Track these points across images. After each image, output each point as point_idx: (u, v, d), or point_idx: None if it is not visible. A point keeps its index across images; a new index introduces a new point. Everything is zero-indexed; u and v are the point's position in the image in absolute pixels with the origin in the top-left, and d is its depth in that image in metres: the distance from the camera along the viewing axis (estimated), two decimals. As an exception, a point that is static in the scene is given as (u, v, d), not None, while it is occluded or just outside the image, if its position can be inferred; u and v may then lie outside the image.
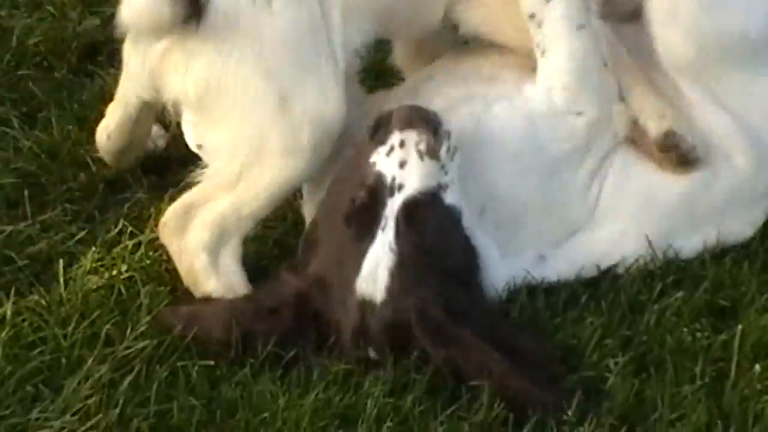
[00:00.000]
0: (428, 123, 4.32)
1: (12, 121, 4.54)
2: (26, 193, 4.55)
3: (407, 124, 4.34)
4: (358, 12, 4.41)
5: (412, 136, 4.31)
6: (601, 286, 4.53)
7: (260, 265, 4.50)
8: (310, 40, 4.31)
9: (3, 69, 4.70)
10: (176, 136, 4.85)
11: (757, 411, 3.99)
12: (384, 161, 4.31)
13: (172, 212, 4.25)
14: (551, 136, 4.62)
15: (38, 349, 4.07)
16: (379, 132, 4.36)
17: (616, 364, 4.21)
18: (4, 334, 4.09)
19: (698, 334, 4.27)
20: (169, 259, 4.33)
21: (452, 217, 4.35)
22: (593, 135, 4.68)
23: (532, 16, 4.54)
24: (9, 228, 4.47)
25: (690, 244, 4.67)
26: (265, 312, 4.32)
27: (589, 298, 4.46)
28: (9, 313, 4.12)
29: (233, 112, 4.18)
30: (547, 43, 4.59)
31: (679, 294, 4.41)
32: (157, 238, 4.38)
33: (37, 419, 3.91)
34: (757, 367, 4.12)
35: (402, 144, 4.29)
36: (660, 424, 4.05)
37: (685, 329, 4.25)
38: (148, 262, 4.30)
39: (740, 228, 4.79)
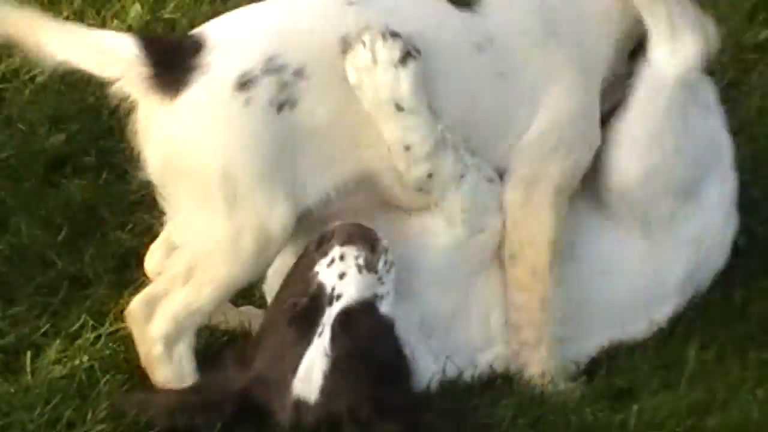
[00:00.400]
0: (367, 239, 4.53)
1: (-16, 227, 4.49)
2: (-3, 290, 4.56)
3: (348, 239, 4.54)
4: (328, 163, 4.48)
5: (351, 251, 4.51)
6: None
7: (213, 351, 4.61)
8: (275, 154, 4.39)
9: (-23, 181, 4.67)
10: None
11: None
12: (325, 272, 4.49)
13: (137, 301, 4.32)
14: (462, 257, 4.78)
15: (5, 433, 4.05)
16: (322, 245, 4.53)
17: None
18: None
19: (599, 414, 4.47)
20: (128, 350, 4.42)
21: (386, 325, 4.54)
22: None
23: (419, 189, 4.62)
24: (-21, 322, 4.47)
25: (589, 347, 4.83)
26: (209, 405, 4.48)
27: (503, 382, 4.65)
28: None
29: (187, 199, 4.30)
30: (439, 197, 4.66)
31: (582, 378, 4.66)
32: (117, 331, 4.49)
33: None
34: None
35: (342, 257, 4.49)
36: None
37: (588, 409, 4.45)
38: (107, 352, 4.39)
39: (639, 328, 4.92)
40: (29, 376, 4.25)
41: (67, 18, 5.51)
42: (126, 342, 4.46)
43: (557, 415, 4.51)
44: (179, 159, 4.19)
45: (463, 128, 4.45)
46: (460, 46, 4.44)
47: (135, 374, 4.35)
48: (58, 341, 4.39)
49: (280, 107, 4.21)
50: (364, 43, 4.20)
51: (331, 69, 4.38)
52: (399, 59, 4.19)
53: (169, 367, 4.39)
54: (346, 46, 4.34)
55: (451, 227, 4.70)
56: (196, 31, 4.18)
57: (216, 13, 5.37)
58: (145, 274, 4.68)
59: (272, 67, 4.18)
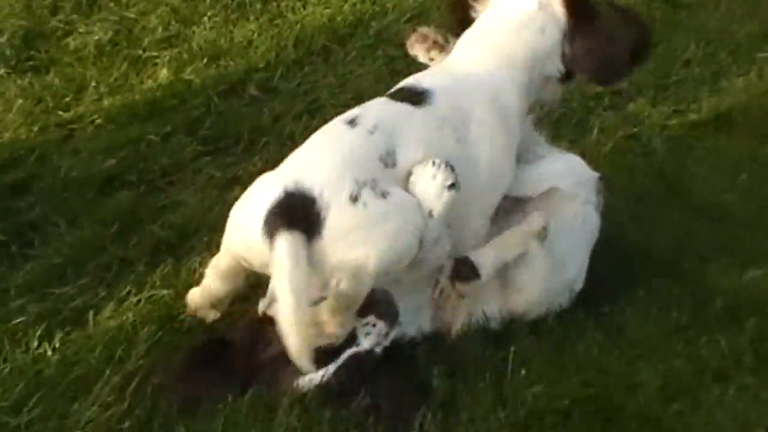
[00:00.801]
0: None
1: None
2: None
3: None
4: None
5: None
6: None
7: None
8: None
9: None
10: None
11: None
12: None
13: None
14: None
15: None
16: None
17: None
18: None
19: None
20: (159, 309, 4.58)
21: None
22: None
23: None
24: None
25: None
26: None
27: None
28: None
29: None
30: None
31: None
32: (152, 296, 4.66)
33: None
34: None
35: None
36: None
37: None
38: (145, 311, 4.56)
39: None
40: (91, 328, 4.42)
41: (115, 80, 5.66)
42: (158, 304, 4.58)
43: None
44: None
45: None
46: (429, 126, 4.43)
47: (164, 326, 4.47)
48: (111, 303, 4.55)
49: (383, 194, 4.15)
50: (434, 163, 4.20)
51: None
52: (449, 185, 4.22)
53: None
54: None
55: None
56: (293, 186, 4.07)
57: (222, 76, 5.75)
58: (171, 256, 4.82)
59: (363, 181, 4.14)
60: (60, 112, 5.42)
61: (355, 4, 6.10)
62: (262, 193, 4.10)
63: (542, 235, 4.61)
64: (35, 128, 5.34)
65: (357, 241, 4.05)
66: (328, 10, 6.04)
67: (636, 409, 4.22)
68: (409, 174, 4.23)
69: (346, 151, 4.21)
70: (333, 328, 4.12)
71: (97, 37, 5.80)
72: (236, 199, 4.45)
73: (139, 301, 4.58)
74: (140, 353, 4.35)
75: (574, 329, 4.58)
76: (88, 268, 4.76)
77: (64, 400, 4.16)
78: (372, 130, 4.27)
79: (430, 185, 4.20)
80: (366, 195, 4.06)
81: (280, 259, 3.94)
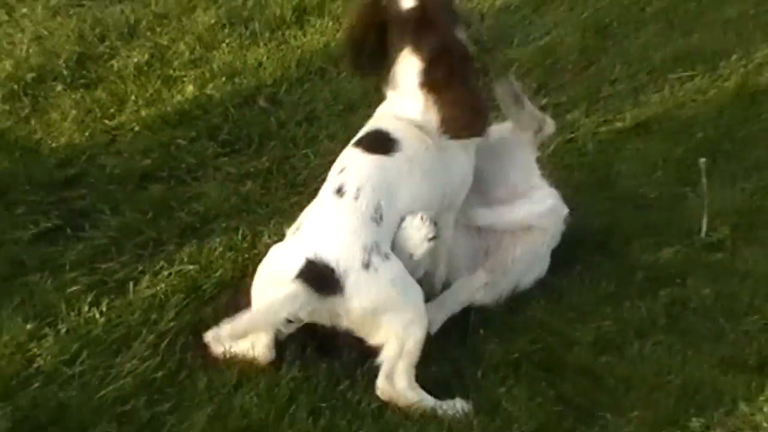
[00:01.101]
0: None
1: None
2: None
3: None
4: None
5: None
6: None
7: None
8: None
9: None
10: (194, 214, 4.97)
11: None
12: None
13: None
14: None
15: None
16: None
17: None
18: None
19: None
20: (186, 282, 4.58)
21: None
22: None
23: None
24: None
25: None
26: None
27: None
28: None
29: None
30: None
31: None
32: (180, 271, 4.64)
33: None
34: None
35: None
36: None
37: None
38: (175, 283, 4.57)
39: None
40: (131, 296, 4.44)
41: (149, 96, 5.65)
42: (185, 277, 4.58)
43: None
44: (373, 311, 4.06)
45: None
46: (401, 173, 4.30)
47: (190, 295, 4.48)
48: (147, 276, 4.55)
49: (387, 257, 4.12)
50: (422, 218, 4.16)
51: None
52: (430, 238, 4.19)
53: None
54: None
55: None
56: (314, 257, 4.04)
57: (237, 91, 5.68)
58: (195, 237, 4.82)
59: (369, 248, 4.06)
60: (106, 121, 5.41)
61: (346, 33, 5.83)
62: (286, 263, 4.09)
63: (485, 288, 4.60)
64: (86, 134, 5.32)
65: (379, 293, 4.05)
66: (324, 38, 6.01)
67: (573, 361, 4.25)
68: (401, 219, 4.21)
69: (346, 222, 4.15)
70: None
71: (135, 60, 5.78)
72: (249, 192, 4.72)
73: (169, 274, 4.56)
74: (170, 317, 4.36)
75: (524, 297, 4.59)
76: (128, 247, 4.73)
77: (109, 354, 4.20)
78: (356, 196, 4.20)
79: (415, 235, 4.19)
80: (374, 259, 4.03)
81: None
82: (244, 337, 4.14)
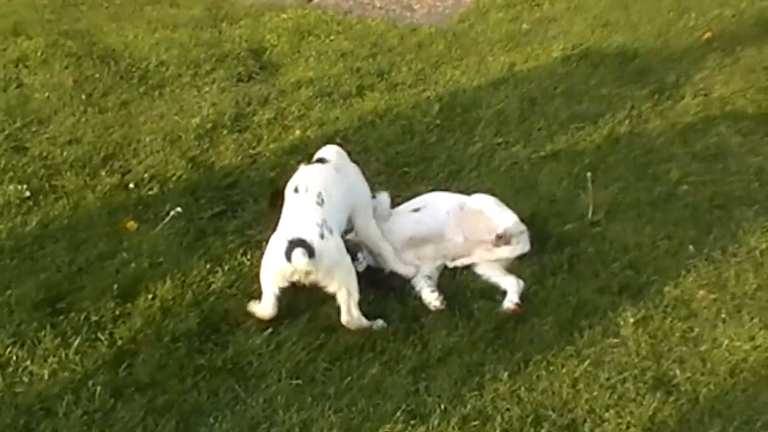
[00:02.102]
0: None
1: None
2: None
3: None
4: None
5: None
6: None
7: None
8: None
9: None
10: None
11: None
12: None
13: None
14: None
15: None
16: None
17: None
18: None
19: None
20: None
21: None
22: None
23: None
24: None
25: None
26: None
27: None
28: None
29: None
30: None
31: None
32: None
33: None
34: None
35: None
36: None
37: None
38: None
39: None
40: (258, 254, 4.21)
41: (275, 136, 5.54)
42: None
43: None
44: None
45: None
46: (330, 174, 4.16)
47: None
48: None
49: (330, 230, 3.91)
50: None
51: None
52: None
53: None
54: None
55: None
56: (293, 237, 3.81)
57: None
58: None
59: (320, 223, 3.89)
60: (251, 151, 5.43)
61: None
62: (278, 244, 3.90)
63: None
64: (238, 158, 5.34)
65: (332, 254, 3.89)
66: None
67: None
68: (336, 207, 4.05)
69: (304, 209, 4.01)
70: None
71: (266, 116, 5.80)
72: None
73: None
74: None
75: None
76: (262, 222, 4.63)
77: (250, 283, 4.16)
78: (306, 190, 4.08)
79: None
80: (325, 232, 3.90)
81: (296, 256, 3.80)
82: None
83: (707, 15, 7.09)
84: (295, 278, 3.81)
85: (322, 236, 3.80)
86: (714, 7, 7.21)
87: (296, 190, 4.01)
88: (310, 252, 3.70)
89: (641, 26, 6.93)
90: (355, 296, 3.85)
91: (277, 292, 3.87)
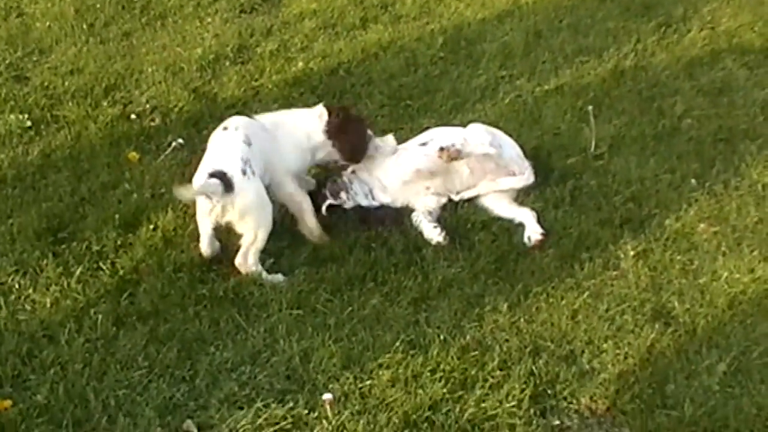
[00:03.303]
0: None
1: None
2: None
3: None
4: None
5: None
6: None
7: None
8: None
9: None
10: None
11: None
12: None
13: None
14: None
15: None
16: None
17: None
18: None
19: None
20: None
21: None
22: None
23: None
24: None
25: None
26: None
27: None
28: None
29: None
30: None
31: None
32: None
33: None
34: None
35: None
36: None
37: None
38: None
39: None
40: None
41: (277, 68, 5.46)
42: None
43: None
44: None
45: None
46: (263, 129, 4.05)
47: None
48: None
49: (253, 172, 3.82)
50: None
51: None
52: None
53: None
54: None
55: None
56: (214, 170, 3.72)
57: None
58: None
59: (245, 161, 3.84)
60: (253, 83, 5.37)
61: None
62: (200, 176, 3.79)
63: None
64: (242, 89, 5.28)
65: (250, 195, 3.79)
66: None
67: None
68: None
69: (229, 145, 3.88)
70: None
71: (269, 48, 5.72)
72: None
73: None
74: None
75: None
76: None
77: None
78: (236, 129, 3.94)
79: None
80: (248, 170, 3.77)
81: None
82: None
83: (716, -53, 6.83)
84: (214, 216, 3.73)
85: (244, 173, 3.70)
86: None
87: (225, 129, 3.92)
88: (228, 185, 3.62)
89: (649, -42, 6.68)
90: (260, 245, 3.78)
91: (209, 231, 3.80)
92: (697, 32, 5.82)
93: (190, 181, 3.79)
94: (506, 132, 4.43)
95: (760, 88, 5.18)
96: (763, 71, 5.35)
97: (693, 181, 4.47)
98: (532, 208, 4.12)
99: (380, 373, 3.29)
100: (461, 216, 4.25)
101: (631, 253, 4.03)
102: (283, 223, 3.97)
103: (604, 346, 3.57)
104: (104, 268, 3.76)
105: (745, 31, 5.75)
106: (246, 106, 5.01)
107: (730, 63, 5.44)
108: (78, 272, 3.71)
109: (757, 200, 4.35)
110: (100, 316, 3.48)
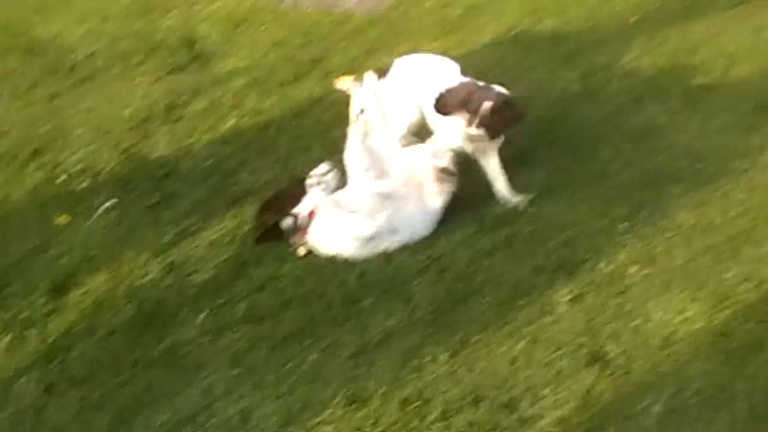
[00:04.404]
0: None
1: None
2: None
3: None
4: None
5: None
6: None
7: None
8: None
9: None
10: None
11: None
12: None
13: None
14: None
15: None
16: None
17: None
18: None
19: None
20: None
21: None
22: None
23: None
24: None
25: None
26: None
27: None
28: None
29: None
30: None
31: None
32: None
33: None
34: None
35: None
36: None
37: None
38: None
39: None
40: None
41: None
42: None
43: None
44: None
45: None
46: None
47: None
48: None
49: None
50: None
51: None
52: None
53: None
54: None
55: None
56: None
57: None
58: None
59: None
60: (185, 141, 5.33)
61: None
62: None
63: None
64: (172, 149, 5.15)
65: None
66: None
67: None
68: None
69: None
70: None
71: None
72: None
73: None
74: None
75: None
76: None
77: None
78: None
79: None
80: None
81: None
82: None
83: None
84: None
85: None
86: (639, -9, 7.23)
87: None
88: None
89: (570, 10, 6.98)
90: None
91: None
92: (619, 80, 5.92)
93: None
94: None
95: (681, 132, 5.28)
96: (683, 116, 5.44)
97: (622, 224, 4.52)
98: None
99: (321, 429, 3.24)
100: (397, 265, 4.25)
101: (567, 297, 4.05)
102: (223, 280, 3.93)
103: (544, 392, 3.58)
104: (33, 334, 3.67)
105: (664, 79, 5.87)
106: (178, 165, 5.01)
107: (652, 109, 5.53)
108: (6, 341, 3.63)
109: (684, 241, 4.41)
110: (30, 385, 3.42)
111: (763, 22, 6.68)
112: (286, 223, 4.05)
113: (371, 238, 4.03)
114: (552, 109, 5.71)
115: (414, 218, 4.24)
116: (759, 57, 6.19)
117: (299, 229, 4.06)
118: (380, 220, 4.07)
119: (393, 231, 4.15)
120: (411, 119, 4.43)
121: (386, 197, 4.16)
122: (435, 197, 4.28)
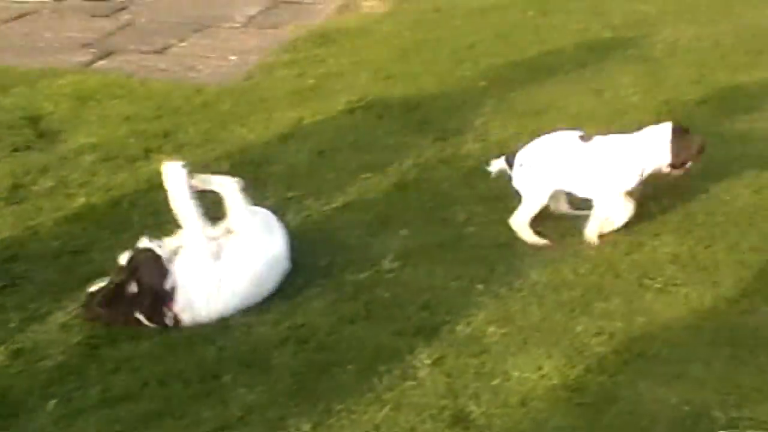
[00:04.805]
0: None
1: None
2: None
3: None
4: None
5: None
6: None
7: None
8: None
9: None
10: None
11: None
12: None
13: None
14: None
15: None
16: None
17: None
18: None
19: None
20: None
21: None
22: None
23: None
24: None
25: None
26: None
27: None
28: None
29: None
30: None
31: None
32: None
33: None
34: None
35: None
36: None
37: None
38: None
39: None
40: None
41: None
42: None
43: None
44: None
45: None
46: None
47: None
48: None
49: None
50: None
51: None
52: None
53: None
54: None
55: None
56: None
57: None
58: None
59: None
60: (31, 222, 5.22)
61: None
62: None
63: None
64: (18, 230, 4.96)
65: None
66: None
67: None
68: None
69: None
70: None
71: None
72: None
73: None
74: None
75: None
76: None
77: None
78: None
79: None
80: None
81: None
82: None
83: (481, 65, 7.52)
84: None
85: None
86: (487, 57, 7.66)
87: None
88: None
89: (421, 77, 7.20)
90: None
91: None
92: (471, 144, 6.15)
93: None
94: (299, 252, 4.72)
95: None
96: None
97: (479, 285, 4.64)
98: None
99: None
100: (257, 337, 4.26)
101: (427, 361, 4.11)
102: (75, 364, 3.84)
103: (408, 457, 3.57)
104: None
105: (513, 140, 6.07)
106: (24, 247, 4.88)
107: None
108: None
109: (538, 299, 4.56)
110: None
111: (600, 85, 7.09)
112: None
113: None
114: (407, 174, 5.84)
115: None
116: (600, 118, 6.50)
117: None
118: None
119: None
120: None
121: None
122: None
